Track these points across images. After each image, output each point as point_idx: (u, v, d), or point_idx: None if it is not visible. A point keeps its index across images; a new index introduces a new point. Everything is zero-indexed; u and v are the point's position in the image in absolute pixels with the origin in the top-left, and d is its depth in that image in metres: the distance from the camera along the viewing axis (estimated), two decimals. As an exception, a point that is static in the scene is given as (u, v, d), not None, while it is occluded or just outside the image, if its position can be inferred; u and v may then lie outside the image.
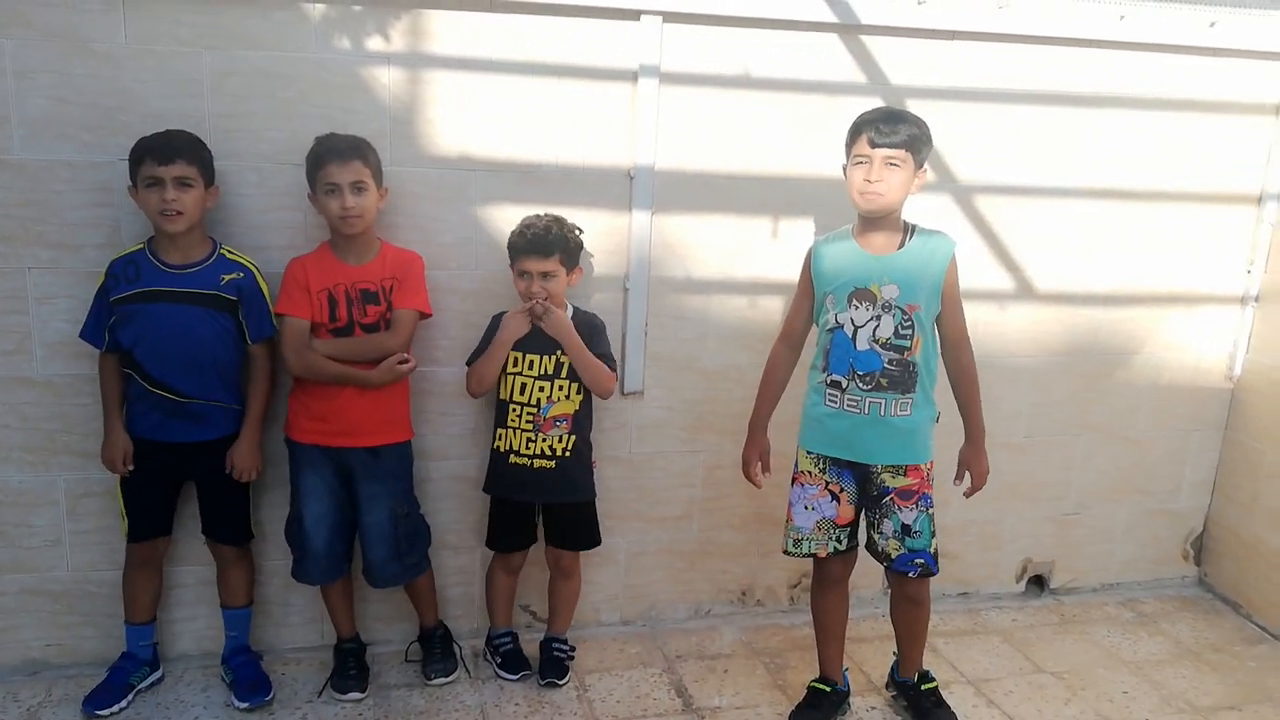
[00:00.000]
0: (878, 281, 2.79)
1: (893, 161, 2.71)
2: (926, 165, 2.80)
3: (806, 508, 2.98)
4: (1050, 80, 3.48)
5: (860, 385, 2.83)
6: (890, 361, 2.80)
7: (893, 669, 3.22)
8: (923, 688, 3.12)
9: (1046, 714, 3.21)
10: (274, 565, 3.25)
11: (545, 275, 2.96)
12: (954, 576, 3.82)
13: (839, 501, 2.95)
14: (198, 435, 2.92)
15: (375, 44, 2.97)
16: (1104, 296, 3.74)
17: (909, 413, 2.83)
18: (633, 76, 3.16)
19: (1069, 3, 3.39)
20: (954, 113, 3.41)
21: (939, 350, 2.89)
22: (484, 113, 3.09)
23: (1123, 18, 3.43)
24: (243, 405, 2.99)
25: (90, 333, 2.88)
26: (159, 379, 2.85)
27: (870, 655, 3.49)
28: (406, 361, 2.96)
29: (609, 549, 3.52)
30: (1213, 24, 3.50)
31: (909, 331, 2.78)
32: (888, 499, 2.89)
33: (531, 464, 3.07)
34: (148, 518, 3.01)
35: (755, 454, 3.08)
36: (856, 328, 2.82)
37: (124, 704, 3.01)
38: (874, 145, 2.72)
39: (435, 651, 3.27)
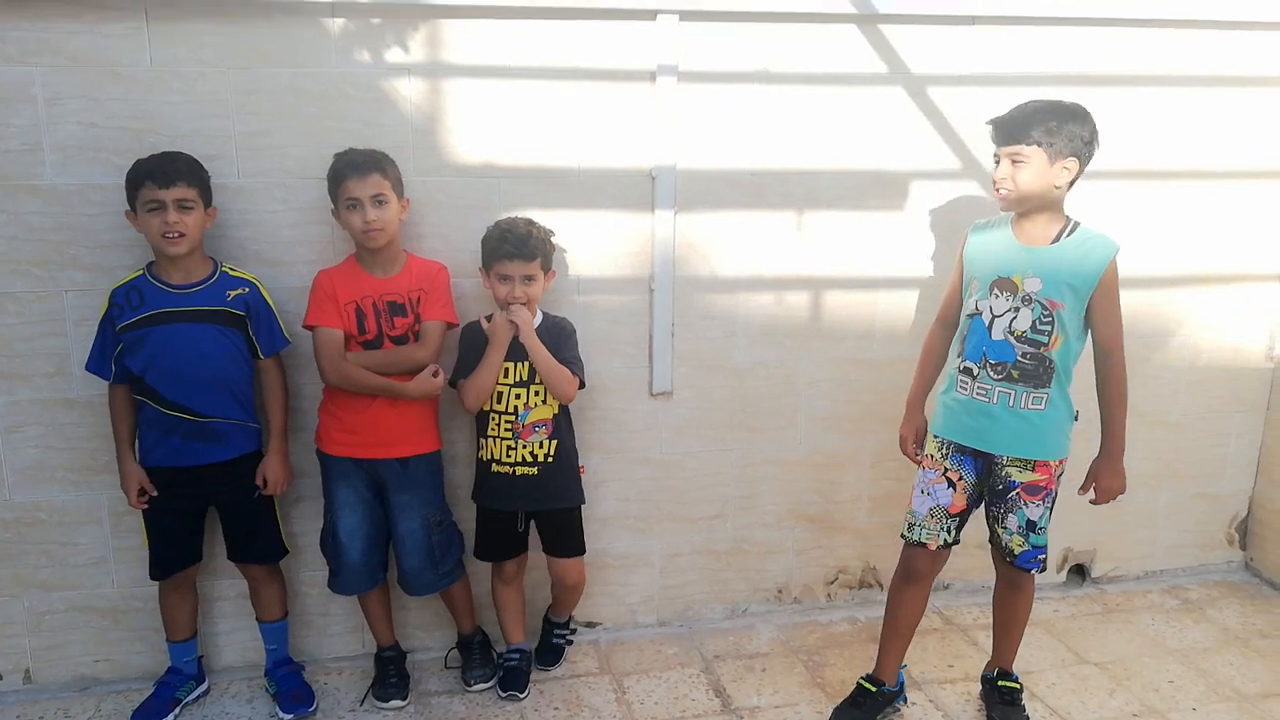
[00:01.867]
0: (1021, 273, 2.75)
1: (1017, 158, 2.69)
2: (1076, 157, 2.68)
3: (923, 492, 2.96)
4: (1076, 61, 3.44)
5: (991, 374, 2.81)
6: (1024, 355, 2.76)
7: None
8: (999, 683, 3.10)
9: (1090, 705, 3.17)
10: (312, 576, 3.28)
11: (527, 279, 2.95)
12: (988, 570, 3.78)
13: (955, 489, 2.92)
14: (218, 455, 2.92)
15: (395, 56, 2.99)
16: (1138, 280, 3.66)
17: (1043, 407, 2.78)
18: (651, 76, 3.15)
19: (1088, -17, 3.35)
20: (977, 98, 3.37)
21: (1082, 352, 2.83)
22: (505, 119, 3.10)
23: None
24: (258, 423, 3.01)
25: (95, 364, 2.88)
26: (175, 401, 2.85)
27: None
28: (437, 374, 2.98)
29: (643, 550, 3.54)
30: (1241, -3, 3.45)
31: (1048, 328, 2.73)
32: (1014, 493, 2.85)
33: (514, 471, 3.06)
34: (174, 549, 3.01)
35: (910, 432, 3.08)
36: (994, 316, 2.79)
37: (171, 718, 3.04)
38: (995, 144, 2.74)
39: (474, 657, 3.29)
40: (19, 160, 2.85)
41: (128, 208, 2.80)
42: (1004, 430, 2.82)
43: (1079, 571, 3.99)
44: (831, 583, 3.76)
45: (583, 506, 3.23)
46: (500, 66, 3.06)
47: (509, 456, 3.05)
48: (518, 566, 3.25)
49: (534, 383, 3.02)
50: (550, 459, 3.07)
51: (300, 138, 2.98)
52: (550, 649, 3.37)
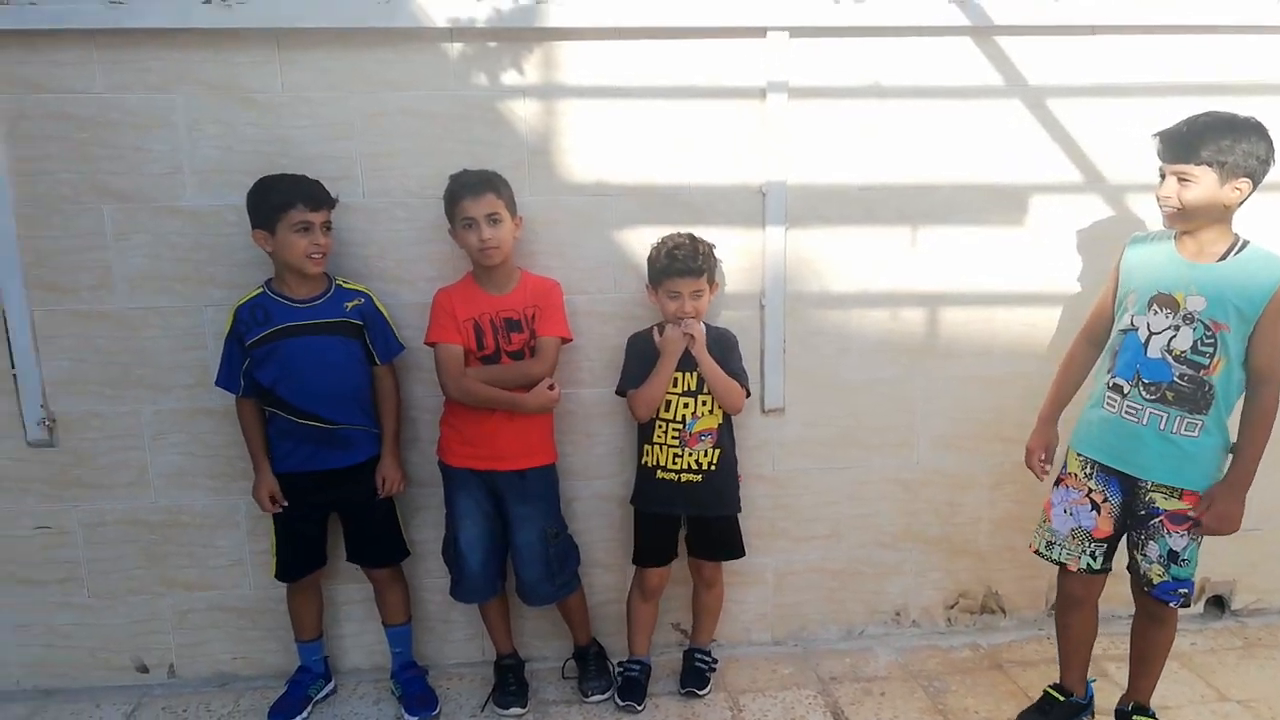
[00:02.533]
0: (1184, 290, 2.63)
1: (1184, 177, 2.57)
2: (1249, 176, 2.54)
3: (1065, 511, 2.88)
4: (1198, 70, 3.30)
5: (1143, 394, 2.69)
6: (1182, 376, 2.63)
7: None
8: (1134, 718, 2.95)
9: (1232, 743, 3.00)
10: (434, 583, 3.37)
11: (695, 294, 3.01)
12: (1123, 598, 3.61)
13: (1099, 512, 2.82)
14: (347, 460, 3.06)
15: (510, 78, 3.09)
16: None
17: (1196, 434, 2.65)
18: (761, 93, 3.17)
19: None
20: (1098, 109, 3.28)
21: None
22: (617, 138, 3.17)
23: (1279, -1, 3.22)
24: (378, 428, 3.12)
25: (225, 379, 3.03)
26: (307, 410, 2.99)
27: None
28: (553, 388, 3.04)
29: (757, 567, 3.52)
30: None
31: (1210, 349, 2.60)
32: (1156, 520, 2.73)
33: (679, 478, 3.11)
34: (302, 552, 3.15)
35: (1039, 445, 3.00)
36: (1151, 333, 2.68)
37: (304, 715, 3.18)
38: (1161, 159, 2.64)
39: (590, 669, 3.33)
40: (161, 183, 3.06)
41: (259, 228, 2.91)
42: (1151, 453, 2.69)
43: (1218, 603, 3.77)
44: (951, 607, 3.66)
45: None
46: (613, 86, 3.13)
47: (675, 464, 3.10)
48: (661, 580, 3.28)
49: (701, 392, 3.07)
50: (714, 467, 3.11)
51: (422, 158, 3.10)
52: (693, 672, 3.33)
